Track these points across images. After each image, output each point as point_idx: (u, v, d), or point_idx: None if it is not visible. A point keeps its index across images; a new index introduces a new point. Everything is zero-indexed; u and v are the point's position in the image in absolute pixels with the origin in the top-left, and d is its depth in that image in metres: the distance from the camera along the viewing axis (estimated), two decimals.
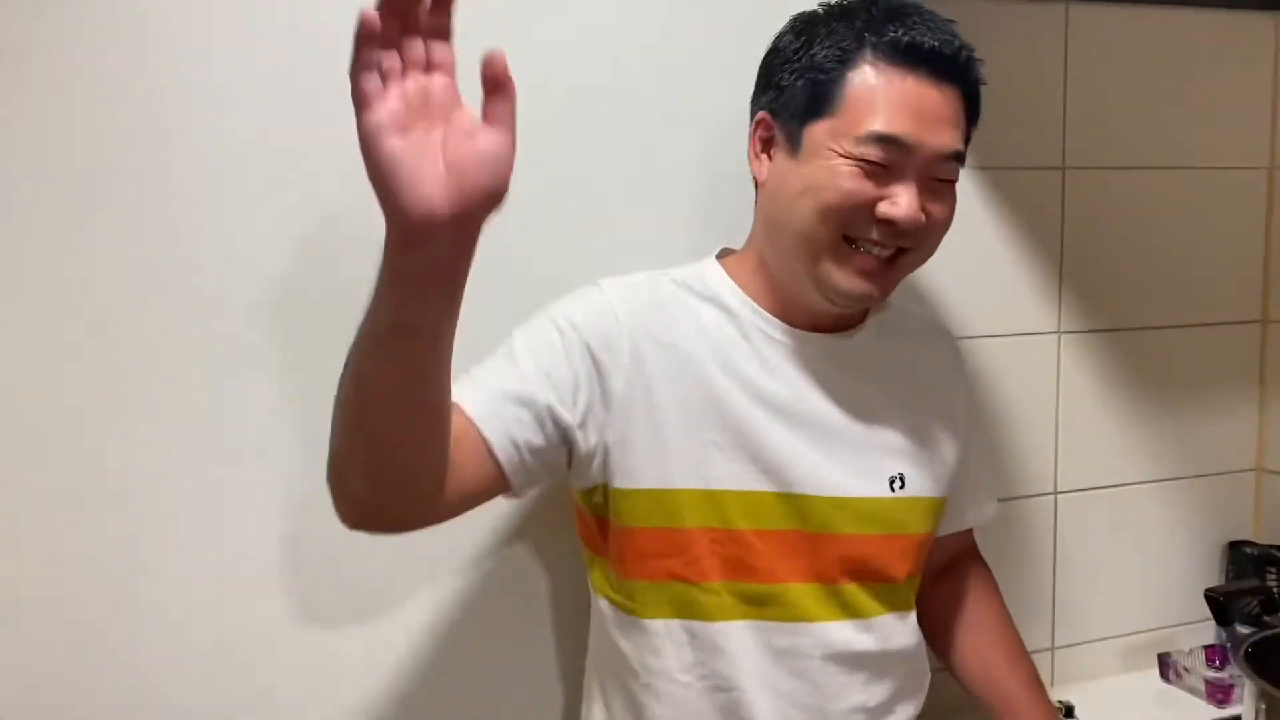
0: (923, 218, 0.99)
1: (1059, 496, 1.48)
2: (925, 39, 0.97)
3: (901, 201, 0.97)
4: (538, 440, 0.98)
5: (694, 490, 1.02)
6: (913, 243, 1.01)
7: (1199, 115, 1.50)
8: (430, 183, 0.70)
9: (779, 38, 1.06)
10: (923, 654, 1.16)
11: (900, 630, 1.10)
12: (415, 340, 0.78)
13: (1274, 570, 1.51)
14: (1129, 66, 1.45)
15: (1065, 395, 1.47)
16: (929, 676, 1.17)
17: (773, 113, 1.04)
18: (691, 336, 1.04)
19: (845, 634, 1.06)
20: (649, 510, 1.03)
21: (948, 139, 0.99)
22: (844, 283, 1.01)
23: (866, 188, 0.97)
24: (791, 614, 1.04)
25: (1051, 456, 1.47)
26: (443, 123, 0.71)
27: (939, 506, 1.13)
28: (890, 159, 0.97)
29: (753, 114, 1.07)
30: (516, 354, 1.00)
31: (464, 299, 0.80)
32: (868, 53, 0.98)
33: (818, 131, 0.99)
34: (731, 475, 1.02)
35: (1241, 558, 1.54)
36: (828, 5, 1.05)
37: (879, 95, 0.97)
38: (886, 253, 1.01)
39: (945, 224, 1.03)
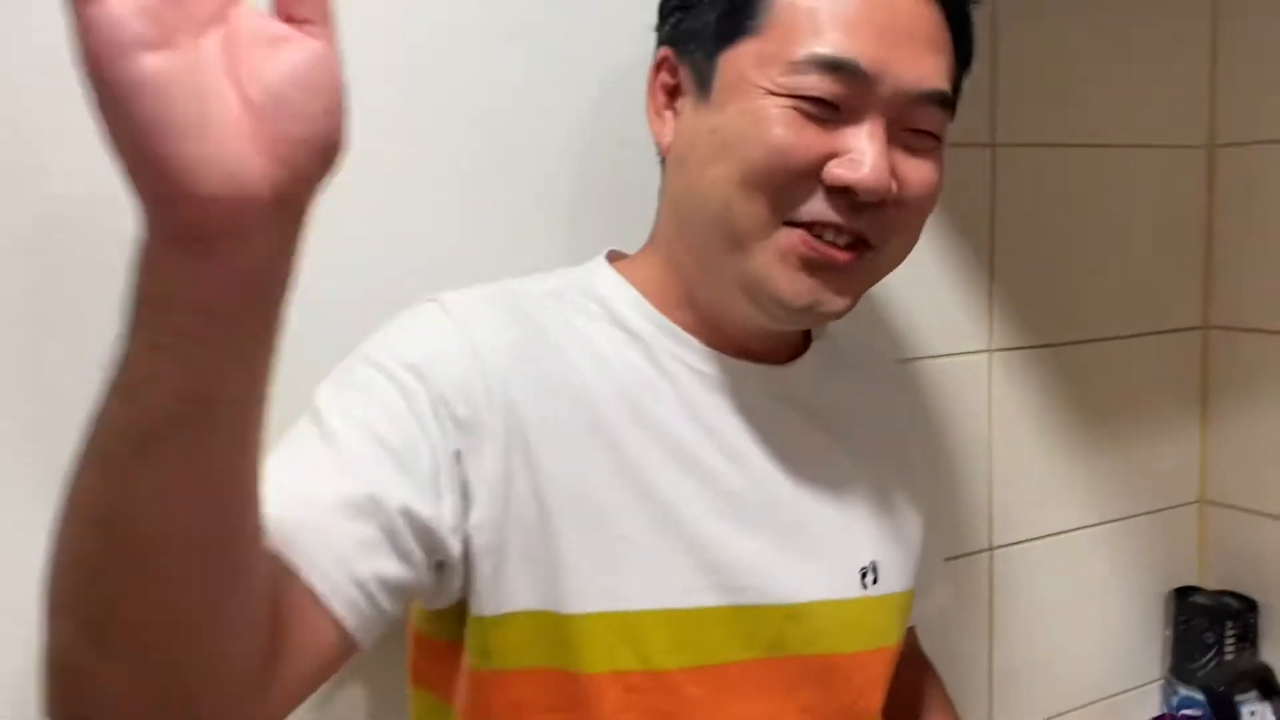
0: (893, 184, 0.65)
1: (994, 552, 1.20)
2: None
3: (863, 159, 0.64)
4: (392, 567, 0.59)
5: (599, 615, 0.66)
6: (879, 231, 0.67)
7: (1134, 85, 1.24)
8: (227, 136, 0.37)
9: None
10: None
11: None
12: (212, 430, 0.42)
13: (1232, 623, 1.27)
14: (1059, 31, 1.18)
15: (998, 429, 1.18)
16: None
17: (675, 46, 0.70)
18: (586, 376, 0.68)
19: None
20: (532, 645, 0.67)
21: (927, 68, 0.66)
22: (784, 285, 0.66)
23: (808, 138, 0.64)
24: None
25: (985, 504, 1.18)
26: (220, 25, 0.38)
27: (909, 603, 0.81)
28: (842, 95, 0.64)
29: (655, 56, 0.73)
30: (334, 431, 0.61)
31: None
32: None
33: (737, 59, 0.66)
34: (652, 587, 0.67)
35: (1190, 609, 1.30)
36: None
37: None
38: (843, 240, 0.66)
39: (928, 200, 0.69)
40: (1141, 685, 1.32)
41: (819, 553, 0.74)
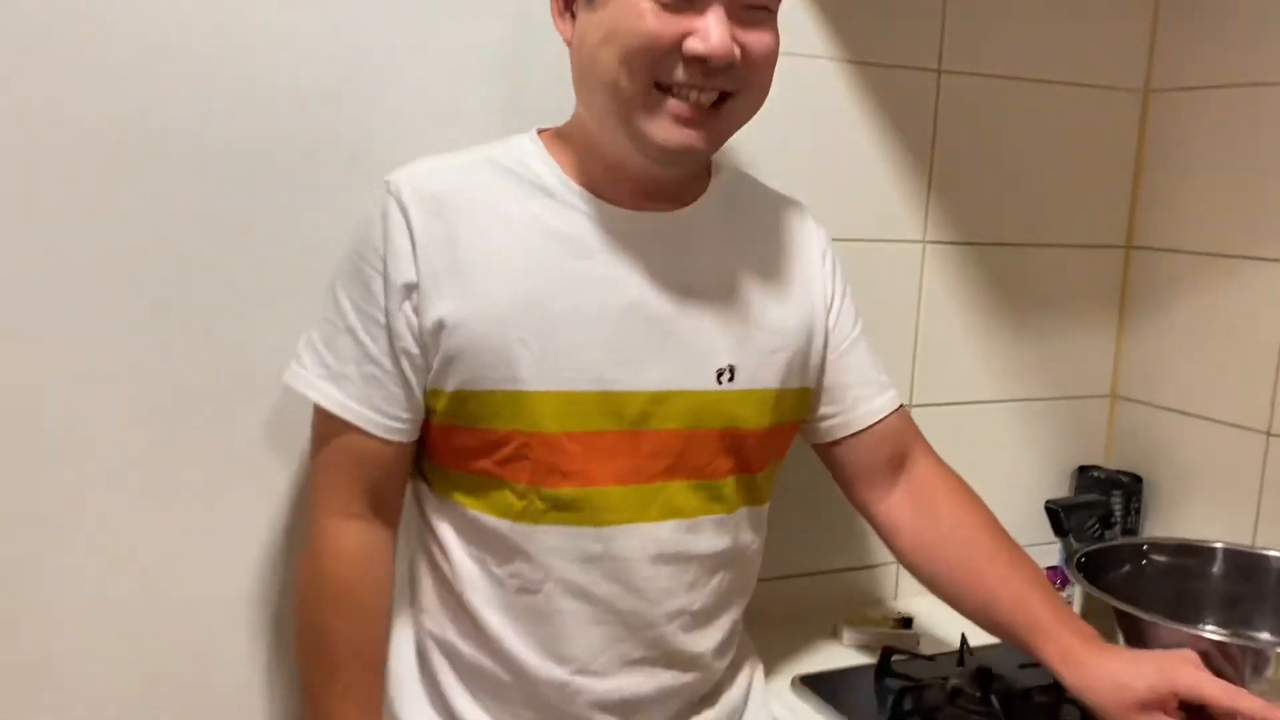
0: (736, 51, 0.90)
1: (913, 410, 1.46)
2: None
3: (710, 35, 0.89)
4: (409, 397, 0.98)
5: (501, 393, 0.95)
6: (734, 84, 0.93)
7: (1079, 27, 1.47)
8: None
9: None
10: (755, 557, 1.11)
11: (721, 530, 1.03)
12: None
13: (1119, 492, 1.52)
14: None
15: (926, 307, 1.44)
16: (755, 580, 1.12)
17: None
18: (502, 223, 0.97)
19: (665, 534, 0.99)
20: (461, 411, 0.96)
21: None
22: (661, 134, 0.92)
23: (669, 25, 0.89)
24: (606, 518, 0.97)
25: (909, 367, 1.45)
26: None
27: (783, 399, 1.06)
28: None
29: None
30: (350, 321, 0.97)
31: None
32: None
33: None
34: (539, 375, 0.95)
35: (1088, 482, 1.55)
36: None
37: None
38: (708, 98, 0.92)
39: (768, 59, 0.94)
40: (1041, 544, 1.57)
41: (681, 354, 0.99)
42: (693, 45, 0.89)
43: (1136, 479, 1.53)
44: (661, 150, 0.93)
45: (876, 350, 1.18)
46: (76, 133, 1.00)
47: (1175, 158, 1.51)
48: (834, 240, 1.21)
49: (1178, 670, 0.92)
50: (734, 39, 0.90)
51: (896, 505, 1.14)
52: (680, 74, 0.90)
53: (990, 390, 1.51)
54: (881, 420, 1.14)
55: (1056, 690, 1.08)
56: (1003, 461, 1.54)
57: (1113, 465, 1.58)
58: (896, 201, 1.40)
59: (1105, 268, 1.56)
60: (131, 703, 1.10)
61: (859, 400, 1.13)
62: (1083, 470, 1.57)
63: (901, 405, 1.16)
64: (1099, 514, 1.31)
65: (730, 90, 0.93)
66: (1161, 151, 1.53)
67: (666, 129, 0.92)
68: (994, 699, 1.13)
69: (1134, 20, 1.51)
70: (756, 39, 0.92)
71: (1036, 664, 1.01)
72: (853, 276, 1.37)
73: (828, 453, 1.15)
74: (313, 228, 1.10)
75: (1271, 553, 1.19)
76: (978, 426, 1.51)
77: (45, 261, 1.01)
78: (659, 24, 0.89)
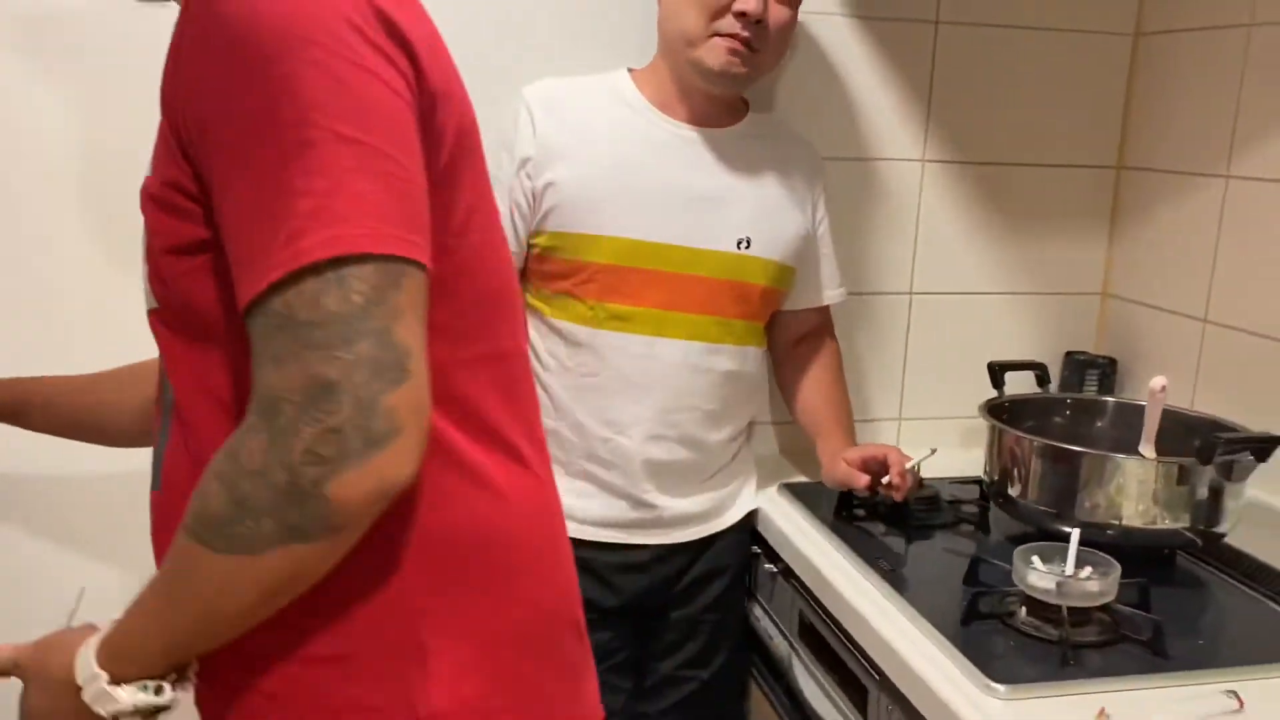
0: (763, 10, 1.36)
1: (913, 297, 1.82)
2: None
3: (749, 1, 1.36)
4: (516, 240, 1.47)
5: (585, 235, 1.44)
6: (761, 44, 1.39)
7: None
8: None
9: None
10: (759, 383, 1.59)
11: (731, 358, 1.50)
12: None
13: (1095, 371, 1.82)
14: None
15: (925, 212, 1.79)
16: (762, 403, 1.61)
17: None
18: (597, 122, 1.46)
19: (694, 350, 1.47)
20: (551, 246, 1.45)
21: None
22: (713, 60, 1.39)
23: None
24: (650, 330, 1.45)
25: (909, 262, 1.80)
26: None
27: (780, 270, 1.51)
28: None
29: None
30: (507, 186, 1.45)
31: None
32: None
33: None
34: (612, 225, 1.43)
35: (1071, 363, 1.86)
36: None
37: None
38: (746, 36, 1.38)
39: (785, 30, 1.42)
40: None
41: (713, 224, 1.46)
42: (740, 5, 1.36)
43: (1113, 361, 1.83)
44: (714, 74, 1.40)
45: (881, 248, 1.75)
46: None
47: (1161, 92, 1.77)
48: (845, 159, 1.70)
49: (885, 447, 1.50)
50: (765, 5, 1.37)
51: (789, 357, 1.64)
52: (728, 22, 1.37)
53: (987, 284, 1.84)
54: (825, 305, 1.64)
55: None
56: (1000, 344, 1.86)
57: (1097, 351, 1.88)
58: (899, 127, 1.75)
59: (1099, 184, 1.85)
60: None
61: (820, 287, 1.62)
62: (1069, 354, 1.88)
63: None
64: (1035, 372, 1.65)
65: (756, 48, 1.39)
66: (1149, 87, 1.79)
67: (717, 57, 1.39)
68: (914, 508, 1.52)
69: None
70: (779, 14, 1.40)
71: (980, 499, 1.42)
72: (860, 187, 1.76)
73: (780, 316, 1.61)
74: None
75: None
76: (977, 314, 1.84)
77: None
78: None
